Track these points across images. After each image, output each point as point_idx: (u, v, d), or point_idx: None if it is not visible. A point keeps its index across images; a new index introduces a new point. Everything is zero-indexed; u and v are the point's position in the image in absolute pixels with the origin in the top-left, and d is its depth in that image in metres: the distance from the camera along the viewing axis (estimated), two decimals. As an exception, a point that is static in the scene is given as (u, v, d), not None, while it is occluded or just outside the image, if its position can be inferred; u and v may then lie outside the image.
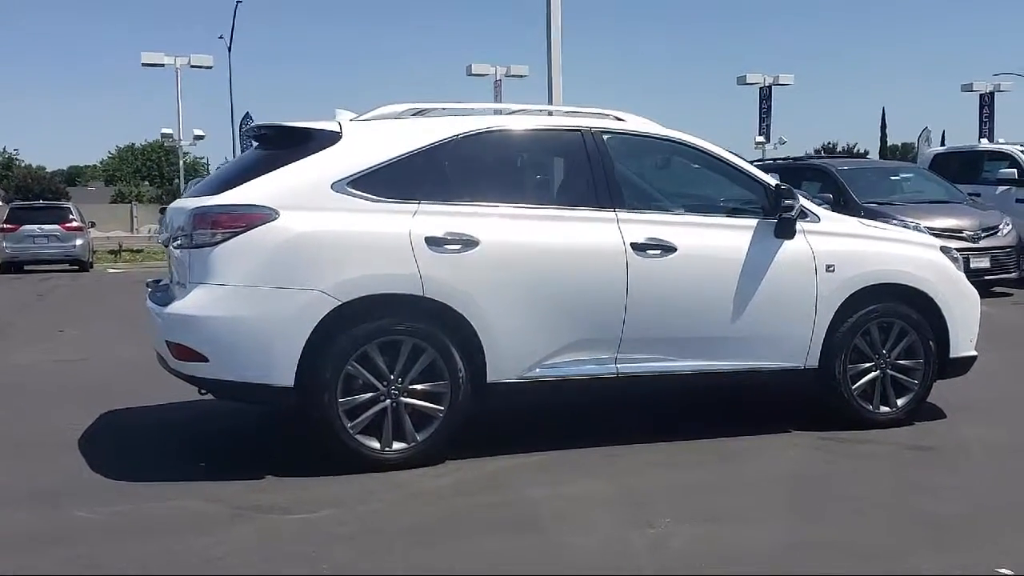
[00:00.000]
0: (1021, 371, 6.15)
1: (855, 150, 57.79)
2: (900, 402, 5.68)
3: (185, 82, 36.68)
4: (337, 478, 4.59)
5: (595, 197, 5.15)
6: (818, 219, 5.59)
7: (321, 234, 4.65)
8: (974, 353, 5.89)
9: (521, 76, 34.23)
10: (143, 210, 48.06)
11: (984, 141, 23.25)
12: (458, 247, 4.79)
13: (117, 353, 8.65)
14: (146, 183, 70.53)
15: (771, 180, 5.55)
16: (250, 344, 4.56)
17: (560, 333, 4.97)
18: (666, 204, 5.46)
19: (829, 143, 68.18)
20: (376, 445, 4.73)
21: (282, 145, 5.00)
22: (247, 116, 34.03)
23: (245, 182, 4.74)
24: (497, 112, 5.47)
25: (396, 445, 4.75)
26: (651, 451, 5.11)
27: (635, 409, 5.83)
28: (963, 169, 15.14)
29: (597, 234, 5.08)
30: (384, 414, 4.73)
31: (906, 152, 59.49)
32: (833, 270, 5.46)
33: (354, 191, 4.76)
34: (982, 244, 12.30)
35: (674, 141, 5.50)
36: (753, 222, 5.42)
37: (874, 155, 54.84)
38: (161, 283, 5.64)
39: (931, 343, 5.70)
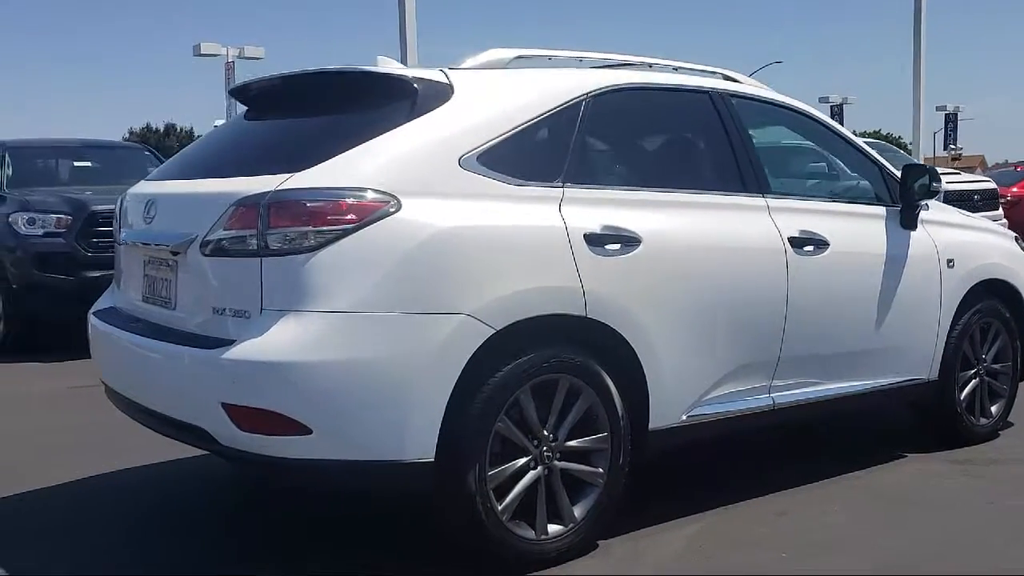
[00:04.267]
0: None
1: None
2: (994, 410, 5.07)
3: None
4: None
5: (741, 179, 4.00)
6: (927, 206, 4.81)
7: (464, 232, 3.13)
8: None
9: (257, 59, 31.61)
10: None
11: None
12: (618, 247, 3.46)
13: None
14: None
15: (882, 159, 4.70)
16: (376, 402, 2.97)
17: (724, 358, 3.79)
18: (803, 188, 4.42)
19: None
20: (530, 534, 3.30)
21: (358, 102, 3.38)
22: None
23: (331, 154, 3.10)
24: (604, 64, 4.10)
25: (552, 529, 3.35)
26: (822, 500, 4.05)
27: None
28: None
29: (754, 227, 3.94)
30: (536, 487, 3.32)
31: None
32: (953, 265, 4.70)
33: (487, 169, 3.28)
34: None
35: (796, 111, 4.46)
36: (882, 210, 4.54)
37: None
38: (115, 307, 3.80)
39: (1018, 343, 5.14)
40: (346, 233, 2.95)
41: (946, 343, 4.71)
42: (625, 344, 3.46)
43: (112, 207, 7.83)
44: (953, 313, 4.73)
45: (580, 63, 3.96)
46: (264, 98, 3.76)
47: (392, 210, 3.02)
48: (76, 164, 9.29)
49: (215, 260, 3.11)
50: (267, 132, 3.63)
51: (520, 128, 3.39)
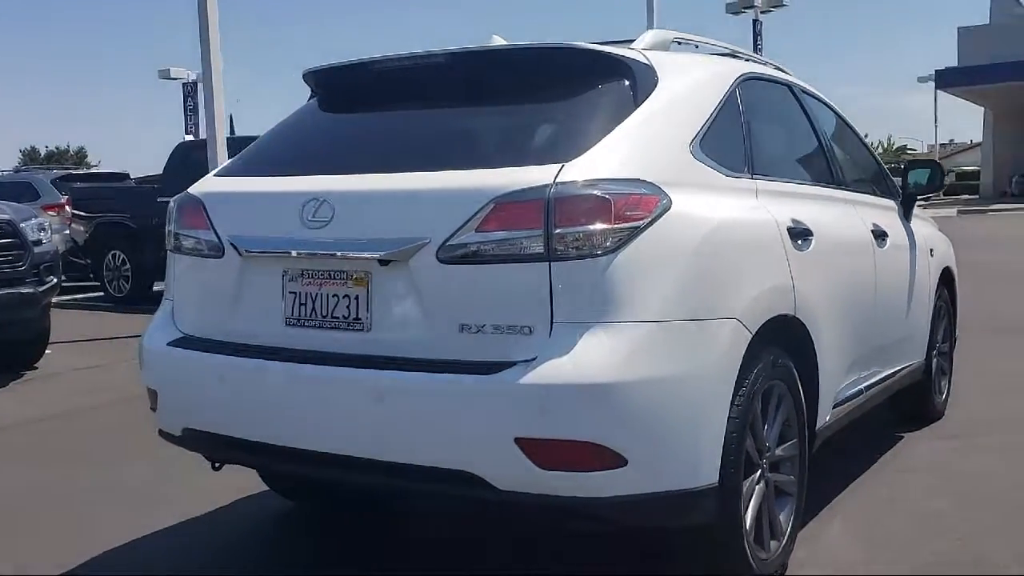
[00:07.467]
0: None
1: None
2: (943, 385, 5.49)
3: None
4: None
5: (830, 172, 4.01)
6: (906, 200, 5.10)
7: (726, 227, 2.84)
8: None
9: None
10: None
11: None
12: (801, 242, 3.30)
13: None
14: None
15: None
16: (682, 423, 2.58)
17: (853, 352, 3.78)
18: (855, 182, 4.49)
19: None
20: (762, 554, 3.04)
21: (570, 82, 2.89)
22: None
23: (584, 143, 2.63)
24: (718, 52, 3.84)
25: (772, 545, 3.12)
26: (901, 484, 4.16)
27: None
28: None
29: (853, 221, 3.97)
30: (763, 502, 3.07)
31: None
32: (933, 254, 5.06)
33: (707, 157, 2.98)
34: None
35: (826, 104, 4.51)
36: (893, 203, 4.75)
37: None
38: (195, 336, 3.02)
39: (954, 323, 5.63)
40: (637, 231, 2.54)
41: (930, 326, 5.03)
42: (811, 344, 3.31)
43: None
44: (933, 298, 5.06)
45: (697, 49, 3.72)
46: (421, 79, 3.14)
47: (669, 205, 2.64)
48: None
49: (465, 268, 2.54)
50: (456, 118, 3.05)
51: (716, 114, 3.14)
